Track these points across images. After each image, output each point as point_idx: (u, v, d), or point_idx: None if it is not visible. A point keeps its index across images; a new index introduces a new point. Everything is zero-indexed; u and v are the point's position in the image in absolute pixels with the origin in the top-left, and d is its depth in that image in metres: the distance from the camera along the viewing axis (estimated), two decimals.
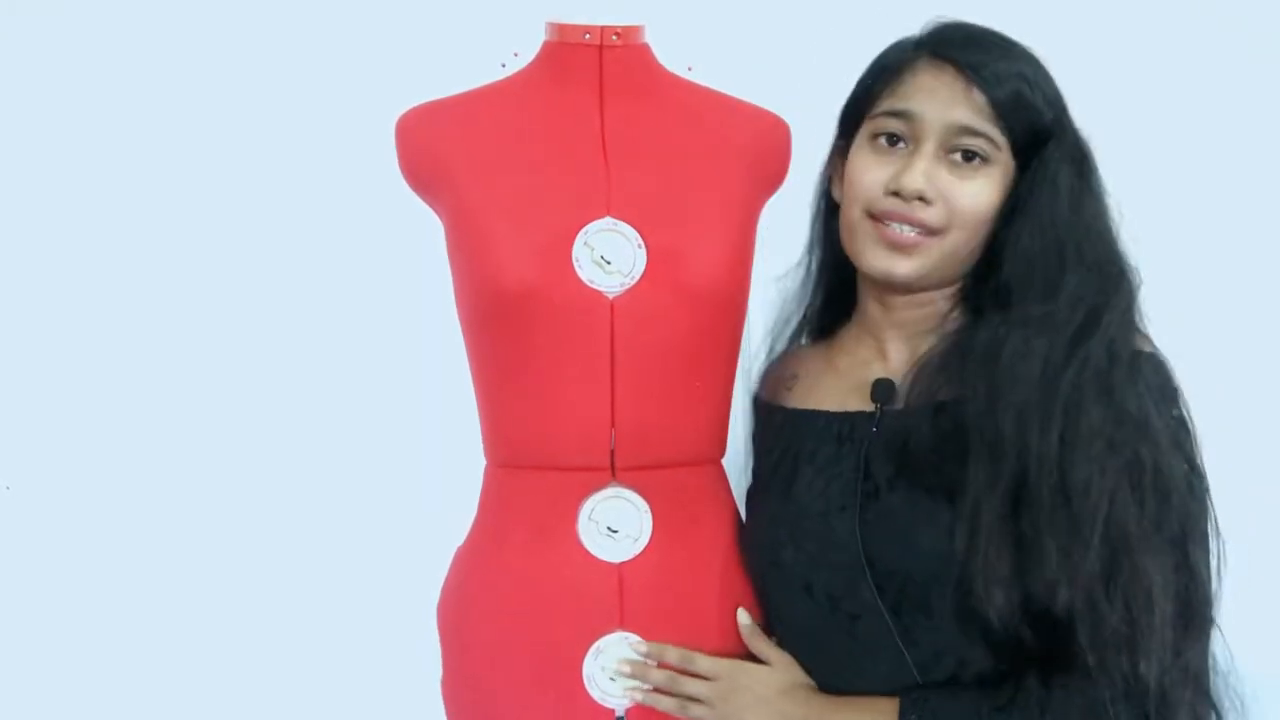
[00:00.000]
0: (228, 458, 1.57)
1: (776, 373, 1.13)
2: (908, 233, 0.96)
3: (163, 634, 1.58)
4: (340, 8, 1.55)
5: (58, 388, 1.57)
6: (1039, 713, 0.88)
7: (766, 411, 1.12)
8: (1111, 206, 0.98)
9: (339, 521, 1.58)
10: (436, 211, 1.08)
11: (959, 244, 0.97)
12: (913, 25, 1.00)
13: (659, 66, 1.10)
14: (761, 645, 1.03)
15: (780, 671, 1.01)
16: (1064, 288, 0.93)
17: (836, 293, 1.10)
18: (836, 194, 1.06)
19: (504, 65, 1.16)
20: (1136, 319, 0.96)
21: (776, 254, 1.21)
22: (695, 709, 1.00)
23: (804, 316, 1.14)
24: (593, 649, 1.00)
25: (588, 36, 1.04)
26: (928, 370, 0.96)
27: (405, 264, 1.49)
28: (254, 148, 1.55)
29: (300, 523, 1.58)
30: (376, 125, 1.12)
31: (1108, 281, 0.94)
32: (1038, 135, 0.95)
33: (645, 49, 1.09)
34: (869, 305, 1.05)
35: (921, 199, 0.95)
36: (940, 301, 1.01)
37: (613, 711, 1.03)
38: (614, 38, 1.04)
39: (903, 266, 0.97)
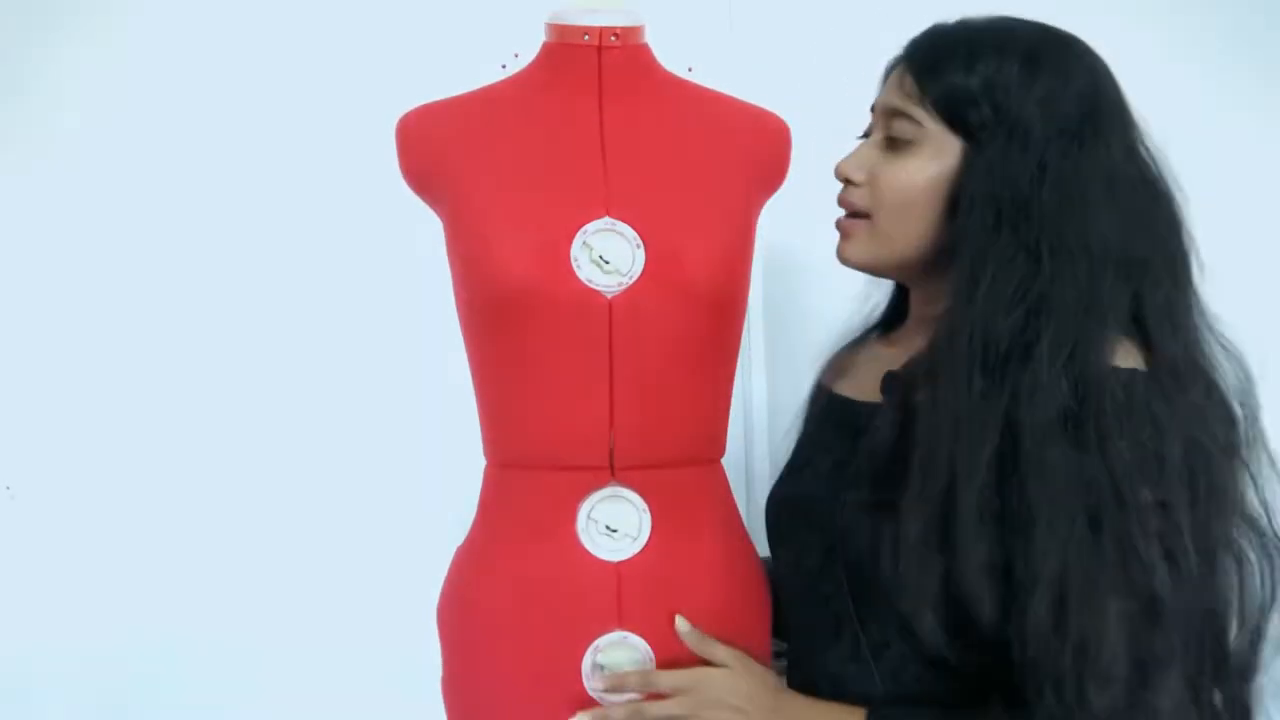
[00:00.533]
0: (228, 458, 1.58)
1: (841, 360, 1.13)
2: (842, 218, 1.00)
3: (164, 633, 1.58)
4: (341, 8, 1.56)
5: (58, 389, 1.57)
6: None
7: (818, 395, 1.13)
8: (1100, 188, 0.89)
9: (339, 521, 1.58)
10: (436, 212, 1.08)
11: (888, 226, 0.96)
12: (913, 26, 1.00)
13: (659, 67, 1.11)
14: (709, 648, 1.01)
15: (741, 674, 0.99)
16: (987, 264, 0.88)
17: (902, 290, 1.09)
18: None
19: (504, 66, 1.16)
20: (1112, 319, 0.87)
21: (778, 253, 1.22)
22: None
23: (876, 312, 1.13)
24: (591, 647, 1.00)
25: (587, 37, 1.04)
26: (911, 370, 0.95)
27: (405, 264, 1.50)
28: (255, 148, 1.55)
29: (301, 523, 1.58)
30: (377, 126, 1.12)
31: (1066, 266, 0.87)
32: (983, 118, 0.90)
33: (645, 49, 1.09)
34: (910, 300, 1.06)
35: (849, 181, 0.97)
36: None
37: None
38: (613, 38, 1.04)
39: (844, 251, 1.00)
